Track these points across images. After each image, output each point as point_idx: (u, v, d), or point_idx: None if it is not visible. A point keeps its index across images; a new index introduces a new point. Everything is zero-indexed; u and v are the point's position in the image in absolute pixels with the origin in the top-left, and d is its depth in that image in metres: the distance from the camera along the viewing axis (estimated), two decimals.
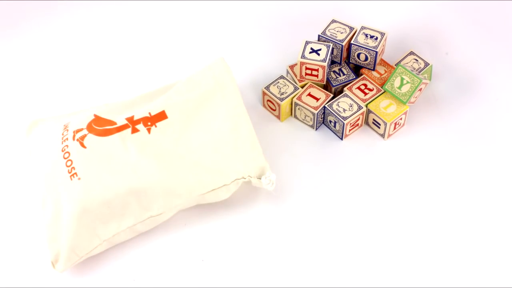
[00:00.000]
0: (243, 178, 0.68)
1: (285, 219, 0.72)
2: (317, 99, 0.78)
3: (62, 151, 0.69)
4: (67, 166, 0.68)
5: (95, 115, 0.72)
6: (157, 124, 0.69)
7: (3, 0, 0.94)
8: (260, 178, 0.69)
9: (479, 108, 0.81)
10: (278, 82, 0.80)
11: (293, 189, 0.74)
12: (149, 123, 0.69)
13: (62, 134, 0.71)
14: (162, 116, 0.70)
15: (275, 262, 0.69)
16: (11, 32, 0.93)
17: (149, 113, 0.70)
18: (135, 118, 0.70)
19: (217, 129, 0.70)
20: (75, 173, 0.67)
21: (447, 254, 0.69)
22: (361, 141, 0.79)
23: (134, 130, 0.69)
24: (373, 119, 0.78)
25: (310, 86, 0.79)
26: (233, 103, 0.71)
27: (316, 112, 0.77)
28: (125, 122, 0.70)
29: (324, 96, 0.78)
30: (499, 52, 0.87)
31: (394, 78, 0.77)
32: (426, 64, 0.81)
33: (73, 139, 0.70)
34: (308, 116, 0.78)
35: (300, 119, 0.80)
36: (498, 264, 0.68)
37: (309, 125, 0.80)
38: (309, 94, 0.79)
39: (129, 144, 0.68)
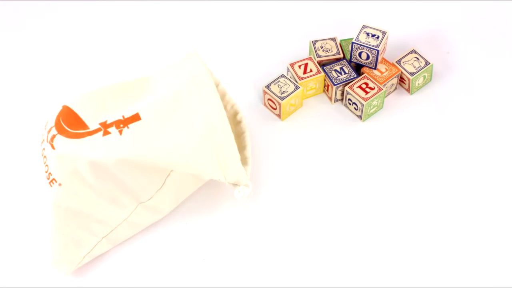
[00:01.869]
0: (219, 180, 0.66)
1: (287, 218, 0.72)
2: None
3: (42, 155, 0.69)
4: (46, 172, 0.67)
5: (64, 107, 0.70)
6: (130, 125, 0.66)
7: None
8: (235, 185, 0.67)
9: (480, 107, 0.81)
10: (279, 81, 0.80)
11: (293, 188, 0.75)
12: (121, 125, 0.66)
13: (42, 134, 0.71)
14: (135, 118, 0.67)
15: (277, 261, 0.69)
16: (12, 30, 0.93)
17: (123, 116, 0.67)
18: (108, 122, 0.67)
19: (193, 132, 0.66)
20: (54, 179, 0.66)
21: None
22: (359, 141, 0.79)
23: (106, 133, 0.66)
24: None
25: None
26: (211, 106, 0.67)
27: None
28: (98, 126, 0.67)
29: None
30: (501, 51, 0.87)
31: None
32: (427, 63, 0.81)
33: (47, 140, 0.68)
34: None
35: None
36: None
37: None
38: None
39: (99, 146, 0.65)
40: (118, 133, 0.66)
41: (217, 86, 0.73)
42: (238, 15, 0.94)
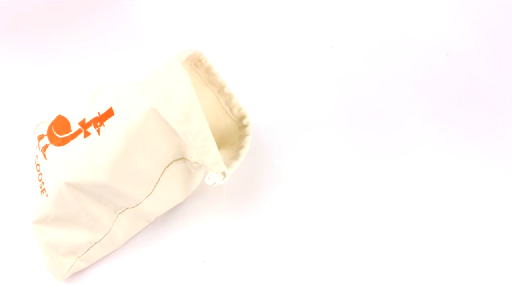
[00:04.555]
0: (197, 163, 0.63)
1: (287, 219, 0.72)
2: None
3: (35, 162, 0.68)
4: (39, 181, 0.67)
5: (58, 116, 0.69)
6: (105, 123, 0.64)
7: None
8: (211, 171, 0.63)
9: (479, 108, 0.82)
10: None
11: (293, 187, 0.74)
12: (98, 124, 0.64)
13: (35, 140, 0.70)
14: (109, 113, 0.65)
15: (276, 262, 0.69)
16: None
17: (98, 113, 0.65)
18: (86, 121, 0.66)
19: (167, 120, 0.63)
20: (44, 189, 0.65)
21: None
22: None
23: (86, 134, 0.64)
24: None
25: None
26: (183, 92, 0.62)
27: None
28: (78, 127, 0.66)
29: None
30: (500, 52, 0.87)
31: None
32: None
33: (39, 148, 0.67)
34: None
35: None
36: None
37: None
38: None
39: (82, 151, 0.64)
40: (97, 133, 0.64)
41: (223, 88, 0.73)
42: (250, 16, 0.94)
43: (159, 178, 0.66)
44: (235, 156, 0.69)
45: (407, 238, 0.70)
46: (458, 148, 0.78)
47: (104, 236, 0.67)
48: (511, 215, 0.72)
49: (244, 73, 0.87)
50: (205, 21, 0.94)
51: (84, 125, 0.65)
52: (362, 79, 0.85)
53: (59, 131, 0.67)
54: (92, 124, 0.65)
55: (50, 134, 0.67)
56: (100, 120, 0.64)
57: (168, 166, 0.65)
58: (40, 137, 0.68)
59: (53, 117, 0.70)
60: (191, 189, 0.70)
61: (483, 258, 0.68)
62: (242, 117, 0.74)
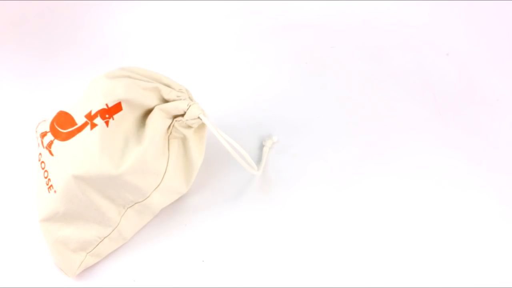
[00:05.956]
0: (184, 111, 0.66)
1: (288, 218, 0.72)
2: None
3: (39, 160, 0.68)
4: (45, 178, 0.66)
5: (59, 111, 0.69)
6: (114, 116, 0.65)
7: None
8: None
9: (479, 108, 0.81)
10: None
11: (294, 187, 0.74)
12: (106, 116, 0.65)
13: (37, 138, 0.70)
14: (118, 108, 0.65)
15: (276, 262, 0.68)
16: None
17: (106, 105, 0.65)
18: (92, 113, 0.65)
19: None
20: (52, 185, 0.65)
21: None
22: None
23: (93, 126, 0.64)
24: None
25: None
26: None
27: None
28: (84, 120, 0.65)
29: None
30: (500, 52, 0.87)
31: None
32: None
33: (43, 145, 0.67)
34: None
35: None
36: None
37: None
38: None
39: (89, 143, 0.64)
40: (104, 125, 0.64)
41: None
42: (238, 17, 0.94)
43: (166, 169, 0.66)
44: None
45: (406, 236, 0.70)
46: (458, 147, 0.78)
47: (113, 230, 0.67)
48: (511, 214, 0.72)
49: (243, 73, 0.86)
50: (208, 20, 0.94)
51: (90, 117, 0.65)
52: (362, 79, 0.85)
53: (63, 126, 0.67)
54: (99, 115, 0.65)
55: (53, 130, 0.67)
56: (109, 112, 0.65)
57: (168, 157, 0.66)
58: (43, 135, 0.68)
59: (53, 114, 0.70)
60: (191, 178, 0.70)
61: (483, 259, 0.68)
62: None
